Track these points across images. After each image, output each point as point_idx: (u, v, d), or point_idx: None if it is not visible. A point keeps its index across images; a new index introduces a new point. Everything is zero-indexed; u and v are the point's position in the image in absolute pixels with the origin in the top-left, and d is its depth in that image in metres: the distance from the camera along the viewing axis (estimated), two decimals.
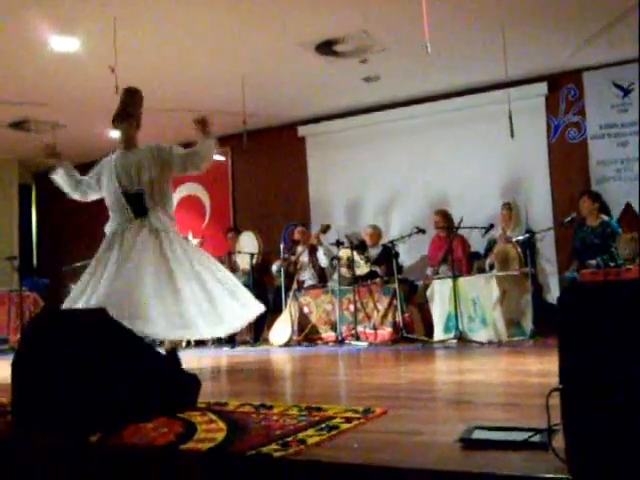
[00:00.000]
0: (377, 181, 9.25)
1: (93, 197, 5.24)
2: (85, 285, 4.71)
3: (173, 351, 4.83)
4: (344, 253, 7.99)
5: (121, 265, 4.63)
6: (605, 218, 7.20)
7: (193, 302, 4.63)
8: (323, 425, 2.47)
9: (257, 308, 5.12)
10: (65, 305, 4.70)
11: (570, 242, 7.52)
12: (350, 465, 1.97)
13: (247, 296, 5.13)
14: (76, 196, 5.22)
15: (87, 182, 5.15)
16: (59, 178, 5.15)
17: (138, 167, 4.89)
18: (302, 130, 9.86)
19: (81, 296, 4.60)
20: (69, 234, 11.15)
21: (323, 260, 8.66)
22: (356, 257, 7.90)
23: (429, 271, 8.03)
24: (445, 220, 7.99)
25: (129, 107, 5.03)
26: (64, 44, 6.73)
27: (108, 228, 4.95)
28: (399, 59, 7.55)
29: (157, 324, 4.38)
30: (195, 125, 4.98)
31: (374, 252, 8.36)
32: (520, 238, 7.13)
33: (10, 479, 2.45)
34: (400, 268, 7.91)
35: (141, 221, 4.84)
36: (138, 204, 4.88)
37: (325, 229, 8.44)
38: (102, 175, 5.06)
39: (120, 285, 4.49)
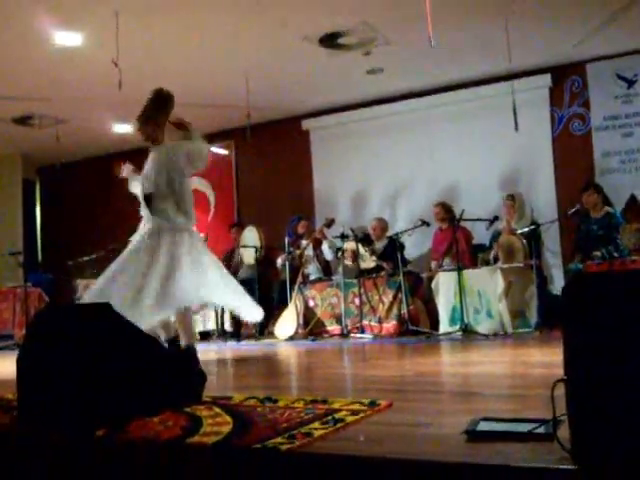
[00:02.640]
0: (382, 174, 9.23)
1: None
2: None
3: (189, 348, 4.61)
4: (349, 246, 7.98)
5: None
6: (609, 209, 7.17)
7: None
8: (329, 418, 2.47)
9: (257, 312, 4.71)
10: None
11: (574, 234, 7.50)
12: (356, 457, 1.97)
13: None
14: None
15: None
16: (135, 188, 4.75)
17: (155, 168, 4.79)
18: (306, 123, 9.84)
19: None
20: (73, 229, 11.13)
21: (328, 254, 8.66)
22: (361, 250, 7.90)
23: (433, 264, 8.01)
24: (445, 212, 7.97)
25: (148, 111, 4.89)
26: (67, 39, 6.74)
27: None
28: (403, 51, 7.53)
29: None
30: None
31: (380, 245, 8.35)
32: (525, 230, 7.10)
33: (16, 474, 2.46)
34: (405, 261, 7.90)
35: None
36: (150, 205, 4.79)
37: (329, 223, 8.45)
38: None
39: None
